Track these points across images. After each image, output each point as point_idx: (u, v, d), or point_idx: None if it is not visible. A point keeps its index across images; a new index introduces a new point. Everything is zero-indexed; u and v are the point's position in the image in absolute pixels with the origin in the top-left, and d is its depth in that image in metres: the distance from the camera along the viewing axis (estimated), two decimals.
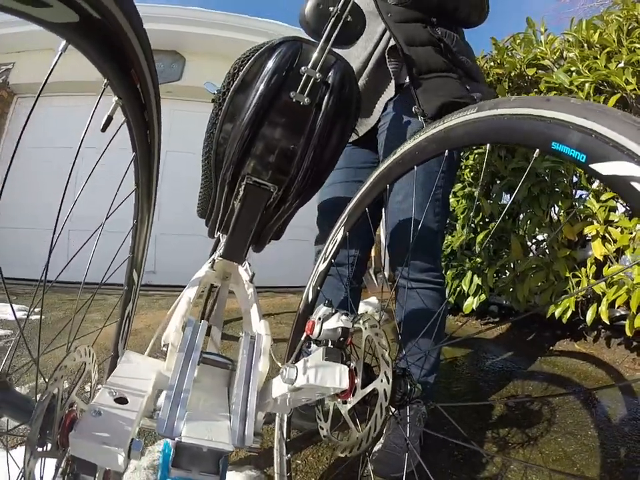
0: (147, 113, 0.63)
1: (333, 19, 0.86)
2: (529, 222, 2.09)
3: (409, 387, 0.63)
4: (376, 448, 1.16)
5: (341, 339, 0.66)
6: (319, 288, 0.98)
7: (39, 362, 0.58)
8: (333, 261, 0.96)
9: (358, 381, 0.63)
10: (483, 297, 2.39)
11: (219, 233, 1.23)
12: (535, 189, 1.96)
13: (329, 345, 0.65)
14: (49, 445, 0.49)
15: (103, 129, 0.57)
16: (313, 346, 0.70)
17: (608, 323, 1.76)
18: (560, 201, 1.94)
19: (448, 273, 2.56)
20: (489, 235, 2.30)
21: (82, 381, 0.64)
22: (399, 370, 0.63)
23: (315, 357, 0.64)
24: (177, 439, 0.53)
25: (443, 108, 1.21)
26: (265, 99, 0.85)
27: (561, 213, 1.96)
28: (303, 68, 0.85)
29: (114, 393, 0.58)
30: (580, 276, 1.89)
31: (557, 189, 1.93)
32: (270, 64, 0.86)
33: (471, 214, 2.37)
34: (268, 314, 3.19)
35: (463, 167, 2.40)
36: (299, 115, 0.87)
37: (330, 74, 0.89)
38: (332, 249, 0.96)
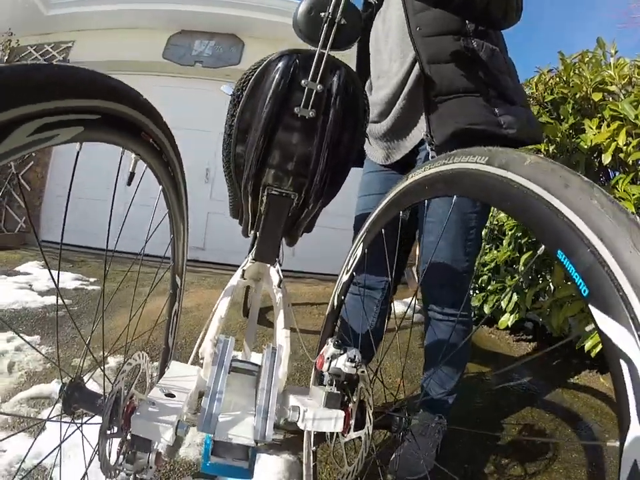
0: (165, 155, 0.78)
1: (325, 24, 0.86)
2: None
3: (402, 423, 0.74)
4: (395, 453, 1.30)
5: (344, 382, 0.76)
6: (342, 297, 1.04)
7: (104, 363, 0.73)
8: (354, 274, 1.00)
9: (352, 422, 0.75)
10: (519, 315, 2.49)
11: (252, 231, 1.33)
12: None
13: (333, 386, 0.77)
14: (115, 429, 0.64)
15: (129, 183, 0.72)
16: (326, 374, 0.81)
17: None
18: None
19: (489, 287, 2.64)
20: (533, 256, 2.34)
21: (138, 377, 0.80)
22: (384, 421, 0.75)
23: (315, 402, 0.78)
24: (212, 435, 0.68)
25: (458, 135, 1.18)
26: (272, 118, 0.90)
27: None
28: (303, 81, 0.88)
29: (164, 390, 0.74)
30: None
31: None
32: (270, 82, 0.89)
33: (518, 233, 2.40)
34: (311, 303, 3.38)
35: None
36: (307, 125, 0.92)
37: (332, 80, 0.91)
38: (352, 263, 1.00)
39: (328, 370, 0.79)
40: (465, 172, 0.55)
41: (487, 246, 2.77)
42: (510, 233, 2.48)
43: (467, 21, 1.24)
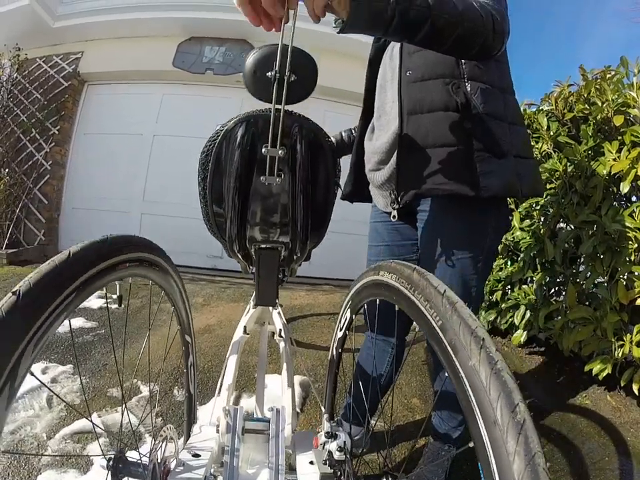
0: (171, 278, 1.01)
1: (274, 84, 0.84)
2: (588, 275, 2.19)
3: None
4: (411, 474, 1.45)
5: (336, 463, 0.84)
6: (340, 350, 1.08)
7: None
8: (347, 332, 1.06)
9: None
10: (532, 332, 2.60)
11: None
12: (601, 248, 2.04)
13: (327, 465, 0.85)
14: None
15: (119, 304, 0.86)
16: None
17: (637, 393, 1.93)
18: (622, 264, 1.98)
19: (502, 304, 2.73)
20: (547, 277, 2.45)
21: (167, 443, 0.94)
22: None
23: (315, 469, 0.86)
24: None
25: (423, 196, 1.18)
26: (240, 188, 0.93)
27: (621, 277, 2.00)
28: (263, 150, 0.88)
29: (191, 451, 0.87)
30: (625, 341, 1.99)
31: (621, 252, 1.99)
32: (232, 153, 0.91)
33: (532, 253, 2.45)
34: (329, 314, 3.44)
35: (534, 205, 2.48)
36: (277, 187, 0.96)
37: (293, 137, 0.91)
38: (344, 323, 1.06)
39: (322, 449, 0.88)
40: (382, 283, 0.78)
41: (502, 261, 2.83)
42: (525, 251, 2.54)
43: (461, 61, 1.17)
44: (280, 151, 0.89)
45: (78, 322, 2.78)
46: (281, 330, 1.27)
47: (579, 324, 2.23)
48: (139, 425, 1.76)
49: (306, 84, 0.90)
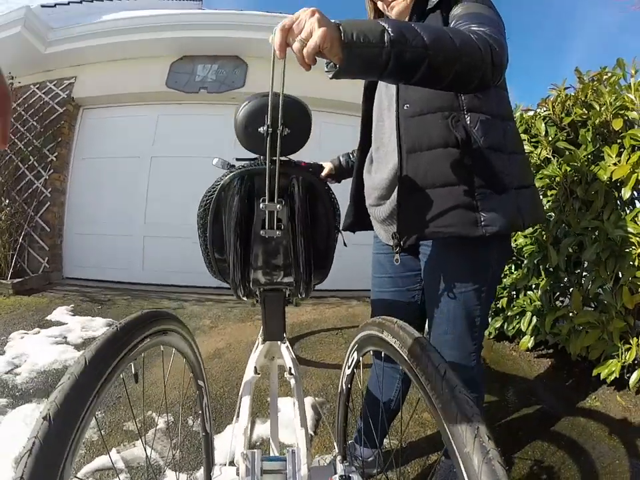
0: (189, 344, 1.15)
1: (267, 140, 0.84)
2: (592, 281, 2.20)
3: None
4: None
5: None
6: (349, 385, 1.15)
7: None
8: (349, 386, 1.12)
9: None
10: (539, 337, 2.64)
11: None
12: (604, 254, 2.05)
13: None
14: None
15: (136, 381, 0.86)
16: None
17: None
18: (626, 269, 1.99)
19: (508, 311, 2.75)
20: (551, 283, 2.47)
21: None
22: None
23: None
24: None
25: (425, 239, 1.18)
26: (240, 237, 0.94)
27: (626, 282, 2.01)
28: (262, 205, 0.89)
29: None
30: (632, 344, 2.02)
31: (625, 257, 1.99)
32: (229, 209, 0.92)
33: (536, 259, 2.47)
34: (337, 328, 3.48)
35: None
36: (277, 237, 0.96)
37: (291, 187, 0.92)
38: (351, 363, 1.08)
39: None
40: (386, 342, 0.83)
41: (507, 268, 2.85)
42: (529, 258, 2.55)
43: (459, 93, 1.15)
44: (278, 206, 0.90)
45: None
46: (290, 368, 1.26)
47: (585, 328, 2.25)
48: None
49: (300, 135, 0.92)
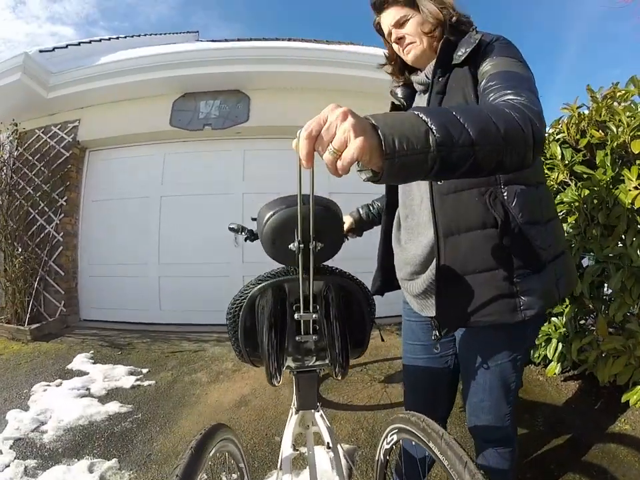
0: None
1: (299, 258, 0.83)
2: (618, 307, 2.17)
3: None
4: None
5: None
6: (387, 457, 1.16)
7: None
8: (387, 457, 1.12)
9: None
10: (566, 363, 2.64)
11: None
12: (629, 282, 2.03)
13: None
14: None
15: None
16: None
17: None
18: None
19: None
20: (576, 310, 2.45)
21: None
22: None
23: None
24: None
25: (463, 327, 1.16)
26: (273, 346, 0.94)
27: None
28: (296, 316, 0.90)
29: None
30: None
31: None
32: (262, 317, 0.93)
33: None
34: (358, 364, 3.44)
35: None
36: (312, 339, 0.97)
37: (326, 292, 0.92)
38: (387, 445, 1.09)
39: None
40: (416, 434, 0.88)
41: None
42: None
43: None
44: (314, 315, 0.90)
45: (113, 407, 2.78)
46: (329, 442, 1.23)
47: (612, 354, 2.22)
48: None
49: (333, 244, 0.90)
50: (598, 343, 2.32)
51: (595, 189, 2.18)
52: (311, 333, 0.93)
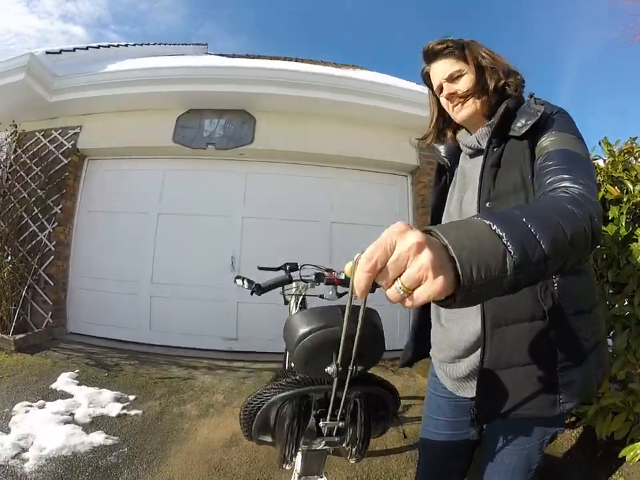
0: None
1: (335, 381, 0.80)
2: (621, 367, 2.15)
3: None
4: None
5: None
6: None
7: None
8: None
9: None
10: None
11: None
12: (635, 342, 2.03)
13: None
14: None
15: None
16: None
17: None
18: None
19: None
20: None
21: None
22: None
23: None
24: None
25: (502, 418, 1.10)
26: (292, 447, 0.91)
27: None
28: (321, 423, 0.87)
29: None
30: None
31: None
32: (282, 424, 0.90)
33: None
34: None
35: None
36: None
37: (351, 403, 0.89)
38: None
39: None
40: None
41: None
42: None
43: None
44: (340, 423, 0.87)
45: (98, 437, 2.68)
46: None
47: (611, 409, 2.22)
48: None
49: (374, 359, 0.86)
50: (598, 397, 2.28)
51: (607, 246, 2.16)
52: (334, 434, 0.90)
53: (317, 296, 1.80)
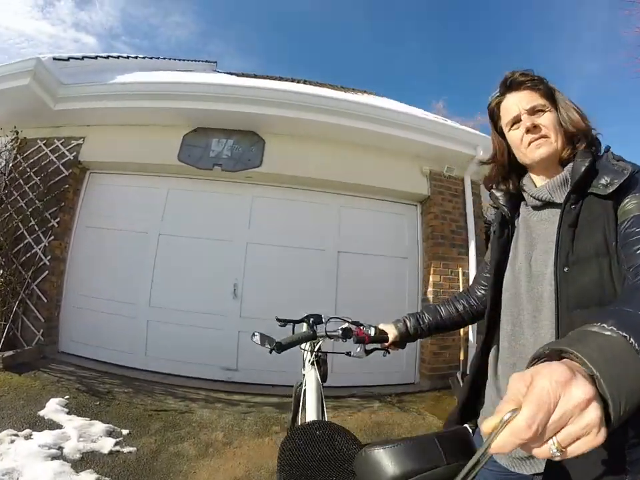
0: None
1: None
2: None
3: None
4: None
5: None
6: None
7: None
8: None
9: None
10: None
11: None
12: None
13: None
14: None
15: None
16: None
17: None
18: None
19: None
20: None
21: None
22: None
23: None
24: None
25: None
26: None
27: None
28: None
29: None
30: None
31: None
32: None
33: None
34: (362, 446, 3.12)
35: None
36: None
37: None
38: None
39: None
40: None
41: None
42: None
43: None
44: None
45: (89, 478, 2.50)
46: None
47: None
48: None
49: None
50: None
51: None
52: None
53: (341, 353, 1.64)
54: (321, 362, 1.79)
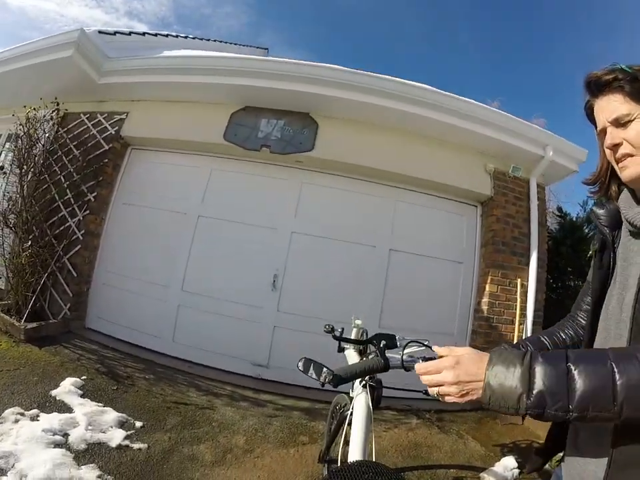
0: None
1: None
2: None
3: None
4: None
5: None
6: None
7: None
8: None
9: None
10: None
11: None
12: None
13: None
14: None
15: None
16: None
17: None
18: None
19: None
20: None
21: None
22: None
23: None
24: None
25: None
26: None
27: None
28: None
29: None
30: None
31: None
32: None
33: None
34: (401, 469, 2.70)
35: None
36: None
37: None
38: None
39: None
40: None
41: None
42: None
43: None
44: None
45: (90, 475, 2.19)
46: None
47: None
48: None
49: None
50: None
51: None
52: None
53: (414, 391, 1.18)
54: (375, 384, 1.40)
